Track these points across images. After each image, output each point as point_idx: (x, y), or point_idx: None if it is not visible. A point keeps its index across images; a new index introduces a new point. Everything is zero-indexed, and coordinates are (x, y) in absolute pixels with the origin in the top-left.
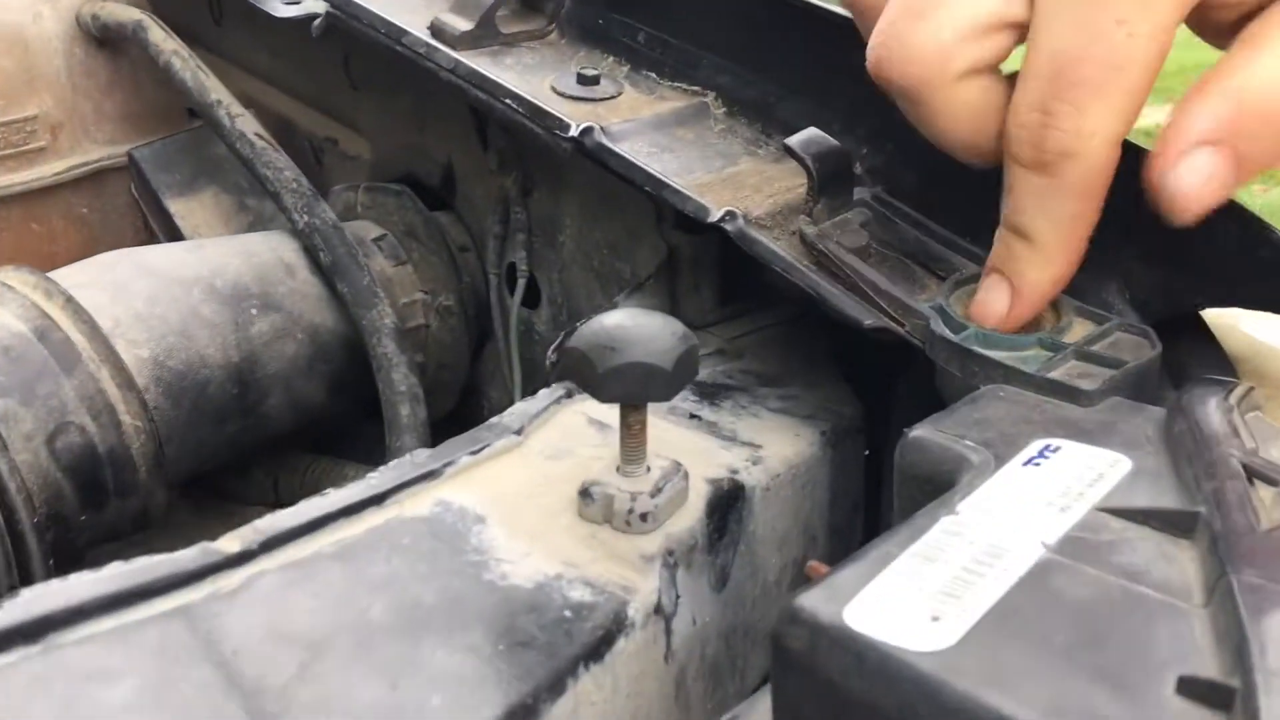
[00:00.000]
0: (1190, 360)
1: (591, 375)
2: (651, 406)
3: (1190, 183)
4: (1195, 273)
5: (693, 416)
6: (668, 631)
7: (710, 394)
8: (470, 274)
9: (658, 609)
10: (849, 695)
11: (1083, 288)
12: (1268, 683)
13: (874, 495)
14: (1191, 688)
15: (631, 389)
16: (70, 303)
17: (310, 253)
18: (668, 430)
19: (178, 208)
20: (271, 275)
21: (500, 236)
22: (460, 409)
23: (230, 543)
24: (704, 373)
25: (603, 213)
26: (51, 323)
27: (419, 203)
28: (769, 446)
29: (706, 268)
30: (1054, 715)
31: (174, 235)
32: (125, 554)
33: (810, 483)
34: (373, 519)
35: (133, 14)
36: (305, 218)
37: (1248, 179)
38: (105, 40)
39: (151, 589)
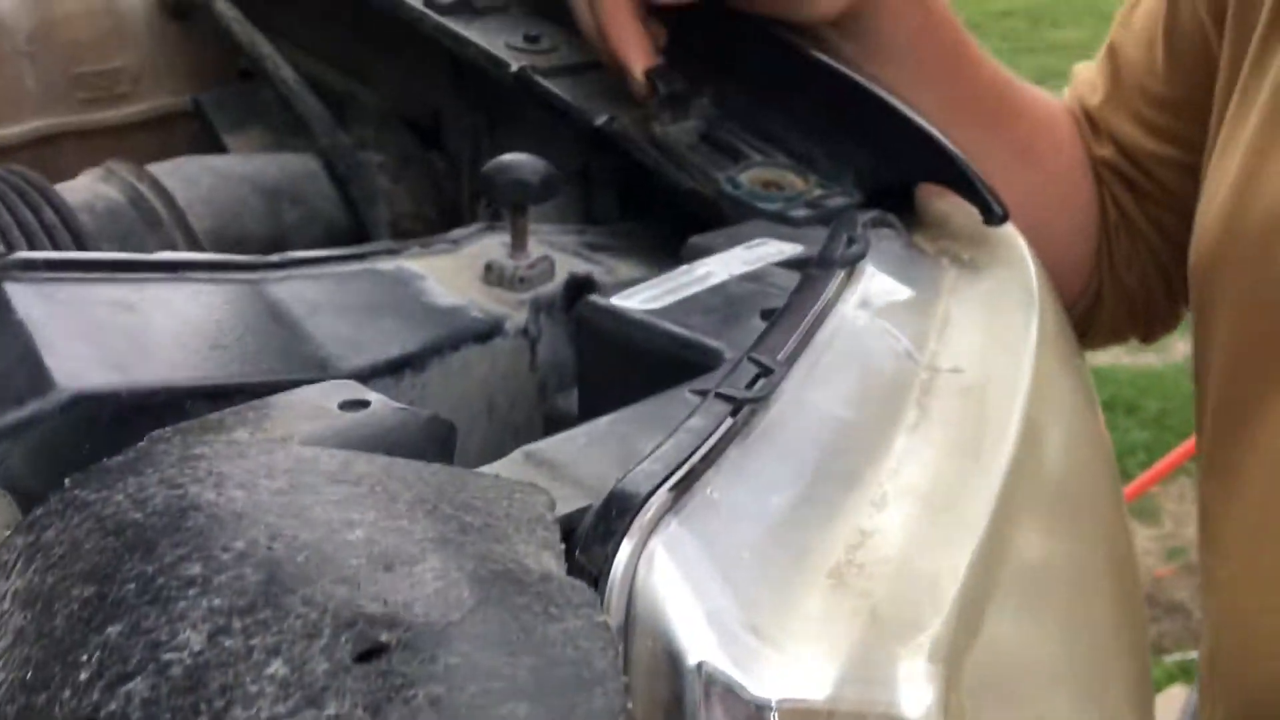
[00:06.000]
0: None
1: (491, 186)
2: (545, 241)
3: None
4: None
5: (576, 254)
6: (533, 350)
7: (591, 247)
8: (449, 192)
9: (525, 331)
10: (609, 338)
11: (828, 171)
12: None
13: None
14: None
15: (515, 194)
16: (156, 183)
17: (330, 167)
18: (551, 249)
19: (231, 140)
20: (300, 180)
21: (472, 161)
22: None
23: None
24: (590, 235)
25: (542, 139)
26: (141, 196)
27: (413, 137)
28: (620, 269)
29: (608, 178)
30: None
31: None
32: None
33: None
34: (354, 266)
35: None
36: (327, 140)
37: None
38: (178, 8)
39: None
